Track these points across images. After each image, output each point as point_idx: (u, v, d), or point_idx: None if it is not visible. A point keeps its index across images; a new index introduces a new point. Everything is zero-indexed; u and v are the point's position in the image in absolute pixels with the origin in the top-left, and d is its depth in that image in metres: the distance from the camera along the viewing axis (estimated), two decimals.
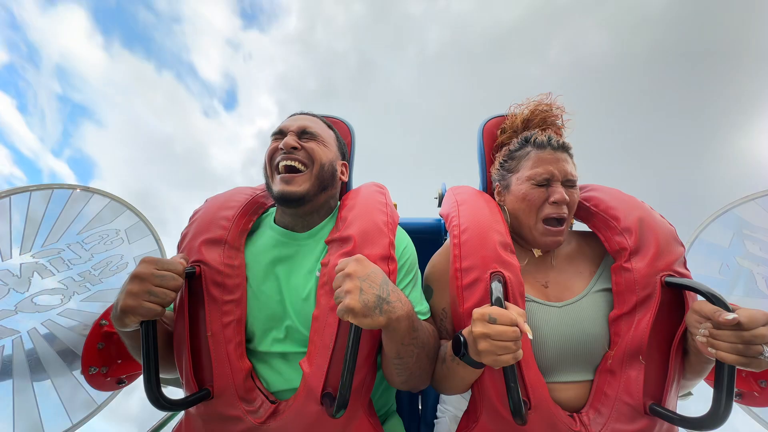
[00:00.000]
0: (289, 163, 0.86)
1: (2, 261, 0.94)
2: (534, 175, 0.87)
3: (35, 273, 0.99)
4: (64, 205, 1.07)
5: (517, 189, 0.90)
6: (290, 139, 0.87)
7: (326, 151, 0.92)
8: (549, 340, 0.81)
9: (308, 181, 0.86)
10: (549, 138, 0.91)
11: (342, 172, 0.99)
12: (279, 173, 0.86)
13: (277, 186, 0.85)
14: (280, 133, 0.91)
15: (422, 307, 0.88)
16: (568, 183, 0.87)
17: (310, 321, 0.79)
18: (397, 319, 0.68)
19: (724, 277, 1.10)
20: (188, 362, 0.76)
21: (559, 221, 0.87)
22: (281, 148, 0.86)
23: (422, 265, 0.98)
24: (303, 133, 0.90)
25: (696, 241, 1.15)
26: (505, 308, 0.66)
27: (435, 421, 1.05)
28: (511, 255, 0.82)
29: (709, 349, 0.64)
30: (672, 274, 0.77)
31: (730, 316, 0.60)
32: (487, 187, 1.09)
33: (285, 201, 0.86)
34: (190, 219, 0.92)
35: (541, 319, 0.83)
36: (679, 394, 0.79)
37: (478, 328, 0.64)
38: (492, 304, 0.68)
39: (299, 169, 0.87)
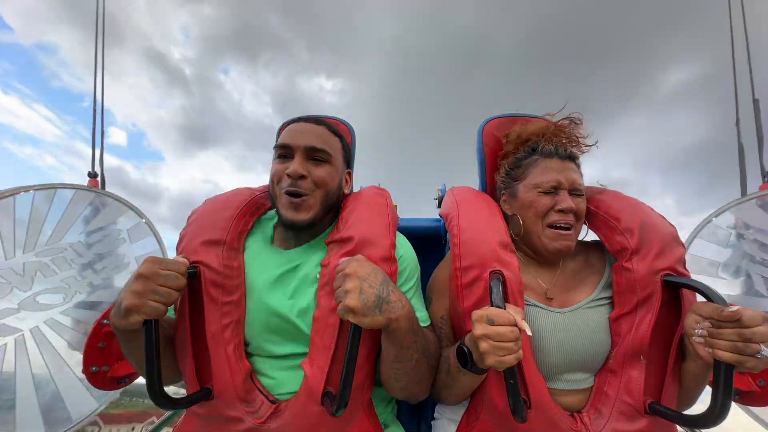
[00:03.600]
0: (296, 191, 0.83)
1: (6, 260, 0.95)
2: (541, 183, 0.87)
3: (38, 272, 1.00)
4: (67, 204, 1.07)
5: (524, 197, 0.90)
6: (298, 168, 0.83)
7: (334, 174, 0.89)
8: (551, 345, 0.81)
9: (316, 206, 0.85)
10: (556, 147, 0.91)
11: (347, 183, 0.97)
12: (287, 196, 0.84)
13: (286, 212, 0.84)
14: (284, 149, 0.86)
15: (422, 314, 0.88)
16: (575, 192, 0.87)
17: (310, 324, 0.80)
18: (396, 320, 0.68)
19: (724, 276, 1.11)
20: (190, 362, 0.77)
21: (566, 228, 0.87)
22: (288, 175, 0.83)
23: (423, 265, 0.98)
24: (311, 154, 0.86)
25: (696, 241, 1.15)
26: (504, 308, 0.66)
27: (432, 422, 1.05)
28: (511, 254, 0.83)
29: (707, 349, 0.64)
30: (672, 273, 0.77)
31: (734, 307, 0.60)
32: (487, 188, 1.10)
33: (292, 227, 0.85)
34: (188, 219, 0.91)
35: (544, 324, 0.83)
36: (682, 405, 0.79)
37: (478, 330, 0.64)
38: (491, 305, 0.68)
39: (306, 195, 0.85)
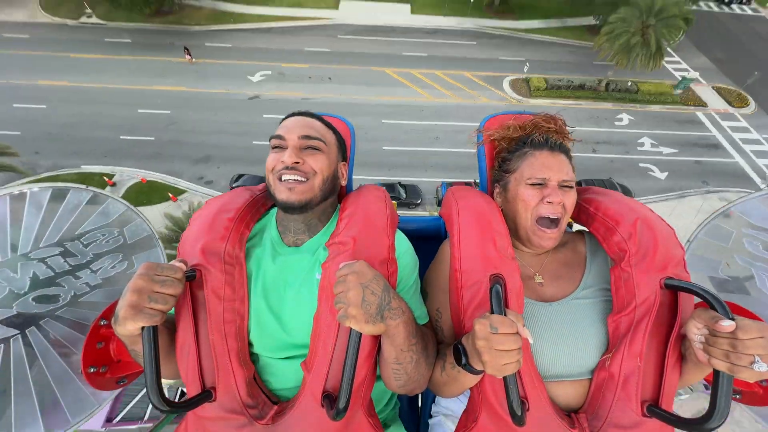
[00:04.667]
0: (291, 177, 0.85)
1: (1, 259, 0.94)
2: (530, 176, 0.88)
3: (33, 272, 0.99)
4: (63, 203, 1.07)
5: (513, 189, 0.91)
6: (292, 155, 0.85)
7: (328, 161, 0.91)
8: (544, 337, 0.82)
9: (311, 191, 0.87)
10: (547, 139, 0.91)
11: (342, 175, 0.99)
12: (281, 181, 0.86)
13: (281, 194, 0.85)
14: (279, 139, 0.89)
15: (421, 311, 0.89)
16: (564, 184, 0.87)
17: (311, 326, 0.80)
18: (396, 326, 0.69)
19: (725, 277, 1.10)
20: (192, 364, 0.77)
21: (554, 221, 0.87)
22: (283, 162, 0.85)
23: (423, 265, 0.98)
24: (305, 143, 0.88)
25: (695, 241, 1.15)
26: (505, 315, 0.66)
27: (429, 421, 1.06)
28: (511, 257, 0.83)
29: (704, 355, 0.64)
30: (671, 276, 0.77)
31: (727, 323, 0.60)
32: (488, 188, 1.09)
33: (288, 209, 0.87)
34: (189, 221, 0.92)
35: (536, 317, 0.83)
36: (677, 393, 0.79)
37: (480, 338, 0.64)
38: (492, 311, 0.68)
39: (302, 180, 0.87)
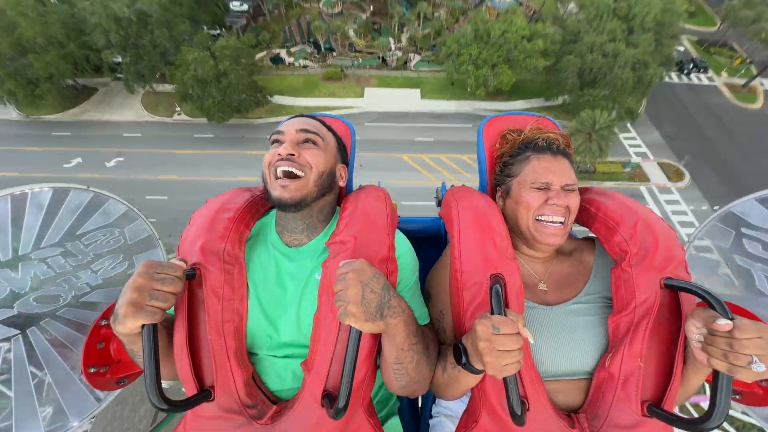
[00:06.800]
0: (286, 168, 0.85)
1: (2, 259, 0.94)
2: (533, 179, 0.88)
3: (34, 272, 0.99)
4: (64, 203, 1.07)
5: (516, 193, 0.91)
6: (288, 146, 0.85)
7: (326, 157, 0.91)
8: (543, 340, 0.82)
9: (306, 187, 0.86)
10: (549, 143, 0.91)
11: (341, 176, 0.99)
12: (277, 178, 0.86)
13: (275, 191, 0.85)
14: (278, 134, 0.90)
15: (422, 311, 0.89)
16: (567, 187, 0.87)
17: (311, 326, 0.80)
18: (396, 324, 0.69)
19: (724, 277, 1.10)
20: (188, 364, 0.77)
21: (559, 222, 0.87)
22: (279, 155, 0.85)
23: (423, 264, 0.98)
24: (303, 137, 0.89)
25: (696, 241, 1.15)
26: (505, 315, 0.66)
27: (430, 421, 1.06)
28: (511, 257, 0.83)
29: (703, 355, 0.65)
30: (672, 276, 0.77)
31: (724, 322, 0.60)
32: (488, 187, 1.09)
33: (283, 206, 0.86)
34: (190, 221, 0.91)
35: (537, 319, 0.83)
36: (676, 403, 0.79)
37: (482, 339, 0.64)
38: (492, 311, 0.68)
39: (297, 175, 0.86)
